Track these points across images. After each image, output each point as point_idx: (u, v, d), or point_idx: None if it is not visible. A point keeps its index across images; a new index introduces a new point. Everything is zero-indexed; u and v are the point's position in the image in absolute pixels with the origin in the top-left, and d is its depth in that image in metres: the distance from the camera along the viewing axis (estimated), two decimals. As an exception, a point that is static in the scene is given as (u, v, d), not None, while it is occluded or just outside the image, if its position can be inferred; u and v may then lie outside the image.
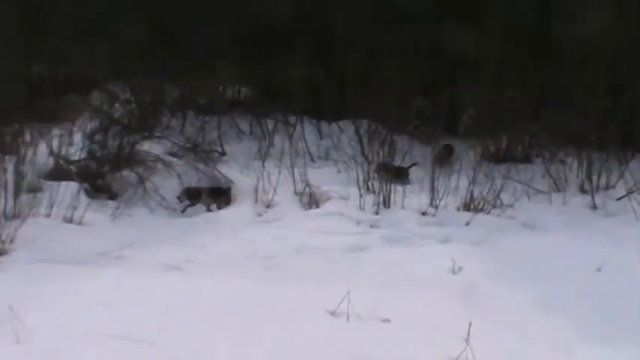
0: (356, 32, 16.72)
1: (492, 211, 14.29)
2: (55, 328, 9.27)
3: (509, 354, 9.42)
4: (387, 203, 14.25)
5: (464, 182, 14.85)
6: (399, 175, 15.31)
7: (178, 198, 14.41)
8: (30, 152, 13.55)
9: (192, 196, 14.33)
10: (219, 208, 14.39)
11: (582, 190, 15.34)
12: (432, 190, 14.34)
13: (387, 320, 10.16)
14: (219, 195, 14.52)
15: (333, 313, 10.11)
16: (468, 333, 9.42)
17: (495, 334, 9.82)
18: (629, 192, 14.66)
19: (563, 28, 16.41)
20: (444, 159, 15.97)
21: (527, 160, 16.32)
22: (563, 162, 16.04)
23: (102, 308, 9.95)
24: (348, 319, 9.95)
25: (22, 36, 14.38)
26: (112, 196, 14.35)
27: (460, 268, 12.04)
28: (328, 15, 17.09)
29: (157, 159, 15.20)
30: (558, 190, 15.31)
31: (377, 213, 14.07)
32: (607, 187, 15.13)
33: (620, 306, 10.82)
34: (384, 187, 14.37)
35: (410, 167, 15.71)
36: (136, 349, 8.99)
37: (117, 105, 15.92)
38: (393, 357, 9.15)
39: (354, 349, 9.14)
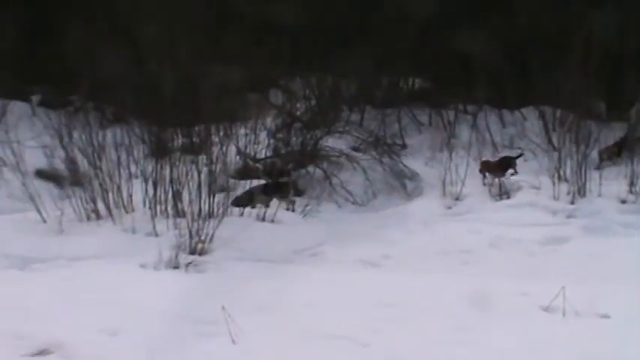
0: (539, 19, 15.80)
1: None
2: (269, 329, 9.14)
3: None
4: (582, 192, 13.81)
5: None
6: (505, 167, 14.86)
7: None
8: (219, 152, 13.29)
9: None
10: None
11: None
12: (632, 176, 13.83)
13: (607, 316, 9.71)
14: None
15: (547, 309, 9.75)
16: None
17: None
18: None
19: None
20: (612, 155, 15.33)
21: None
22: None
23: (311, 307, 9.80)
24: (564, 315, 9.55)
25: (206, 37, 13.75)
26: (298, 193, 14.35)
27: (671, 259, 11.19)
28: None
29: (341, 154, 15.01)
30: None
31: (572, 202, 13.72)
32: None
33: None
34: (580, 174, 13.86)
35: (517, 157, 15.19)
36: (352, 350, 8.82)
37: (297, 102, 15.24)
38: (618, 356, 8.67)
39: (577, 348, 8.69)
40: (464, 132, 16.28)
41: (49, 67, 15.47)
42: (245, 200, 13.35)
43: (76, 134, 13.40)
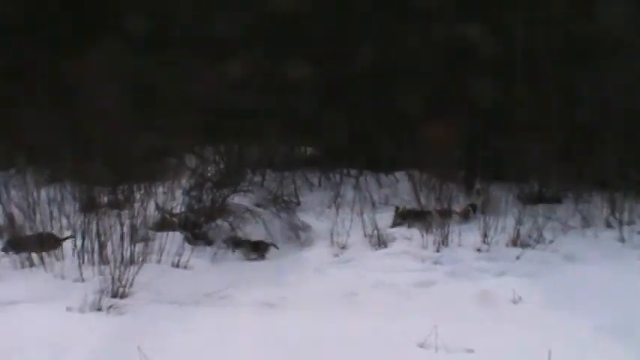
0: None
1: (537, 246, 13.31)
2: None
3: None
4: (445, 242, 13.29)
5: (507, 222, 13.85)
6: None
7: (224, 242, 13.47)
8: (140, 207, 12.81)
9: (236, 244, 13.33)
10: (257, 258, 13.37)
11: (608, 225, 14.30)
12: (485, 229, 13.40)
13: (472, 351, 9.21)
14: (259, 247, 13.41)
15: (422, 345, 9.25)
16: None
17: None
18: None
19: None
20: (467, 214, 14.75)
21: (557, 200, 14.83)
22: (589, 201, 14.60)
23: (215, 347, 9.21)
24: (436, 351, 9.09)
25: (132, 110, 13.22)
26: (209, 243, 13.67)
27: (520, 298, 11.10)
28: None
29: (246, 210, 14.41)
30: (588, 226, 14.22)
31: (438, 250, 13.18)
32: (630, 223, 13.99)
33: None
34: (443, 228, 13.35)
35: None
36: None
37: (208, 166, 14.75)
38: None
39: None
40: (348, 192, 15.59)
41: None
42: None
43: (13, 192, 12.90)
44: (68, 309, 10.36)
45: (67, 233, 12.49)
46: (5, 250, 12.15)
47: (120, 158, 13.61)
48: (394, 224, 14.36)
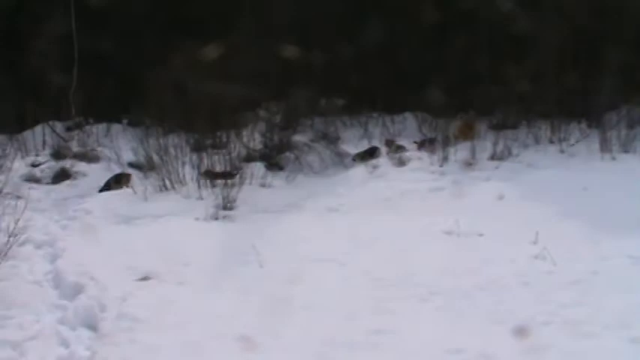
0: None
1: (508, 159, 12.98)
2: (282, 257, 8.42)
3: (567, 247, 8.33)
4: (446, 159, 12.91)
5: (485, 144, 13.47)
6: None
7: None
8: (232, 147, 12.76)
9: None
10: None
11: (551, 142, 13.86)
12: (473, 150, 13.06)
13: (482, 234, 9.11)
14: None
15: (447, 232, 9.09)
16: (537, 238, 8.49)
17: (551, 237, 8.55)
18: (577, 141, 13.57)
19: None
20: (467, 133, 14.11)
21: (515, 127, 14.45)
22: (536, 127, 14.23)
23: (305, 241, 9.04)
24: (458, 236, 8.94)
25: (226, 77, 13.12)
26: (281, 168, 13.24)
27: (504, 195, 10.80)
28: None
29: (304, 144, 14.06)
30: (538, 144, 13.82)
31: (441, 166, 12.78)
32: (565, 139, 13.59)
33: (606, 208, 9.77)
34: (444, 149, 13.12)
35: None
36: (336, 268, 8.16)
37: (274, 116, 14.74)
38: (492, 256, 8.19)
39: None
40: (371, 128, 15.00)
41: (130, 102, 14.60)
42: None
43: (148, 141, 12.60)
44: (196, 219, 10.23)
45: (187, 167, 12.24)
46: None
47: (215, 113, 13.16)
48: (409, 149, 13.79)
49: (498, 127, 14.69)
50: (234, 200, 10.86)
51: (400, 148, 13.70)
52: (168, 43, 14.64)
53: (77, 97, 15.50)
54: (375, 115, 15.80)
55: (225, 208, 10.73)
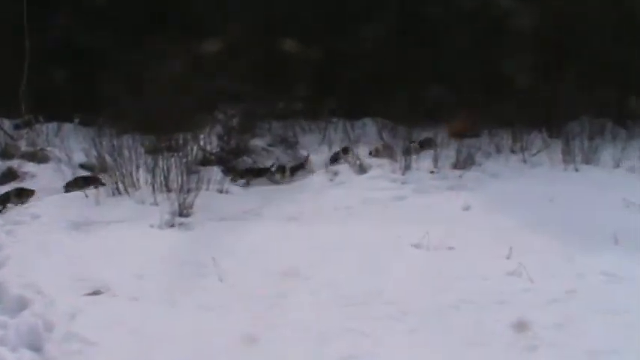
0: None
1: (471, 168, 12.43)
2: (241, 269, 7.68)
3: (542, 262, 7.78)
4: (408, 167, 12.24)
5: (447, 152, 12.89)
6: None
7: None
8: (188, 149, 11.97)
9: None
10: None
11: (512, 151, 13.42)
12: (435, 157, 12.50)
13: (452, 248, 8.42)
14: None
15: (416, 246, 8.41)
16: (510, 252, 7.97)
17: (524, 251, 8.04)
18: (538, 151, 13.21)
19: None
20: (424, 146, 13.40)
21: (477, 135, 13.86)
22: (497, 135, 13.76)
23: (265, 249, 8.40)
24: (428, 249, 8.29)
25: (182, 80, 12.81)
26: (238, 173, 12.41)
27: (469, 206, 10.34)
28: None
29: (262, 148, 13.57)
30: (500, 152, 13.35)
31: (403, 174, 12.14)
32: (526, 149, 13.18)
33: (575, 221, 9.32)
34: (406, 157, 12.39)
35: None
36: (300, 283, 7.48)
37: (231, 119, 14.01)
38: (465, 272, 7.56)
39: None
40: (330, 133, 14.36)
41: (82, 101, 13.80)
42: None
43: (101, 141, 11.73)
44: (151, 226, 9.47)
45: (142, 171, 11.40)
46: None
47: (172, 115, 12.52)
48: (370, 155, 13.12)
49: (459, 135, 14.15)
50: (191, 207, 10.11)
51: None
52: (124, 40, 13.90)
53: (27, 93, 14.53)
54: (334, 120, 15.19)
55: (181, 214, 9.98)
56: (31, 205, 10.43)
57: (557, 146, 13.01)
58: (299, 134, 14.61)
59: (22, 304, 6.81)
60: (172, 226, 9.53)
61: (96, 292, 7.09)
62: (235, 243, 8.48)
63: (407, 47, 14.42)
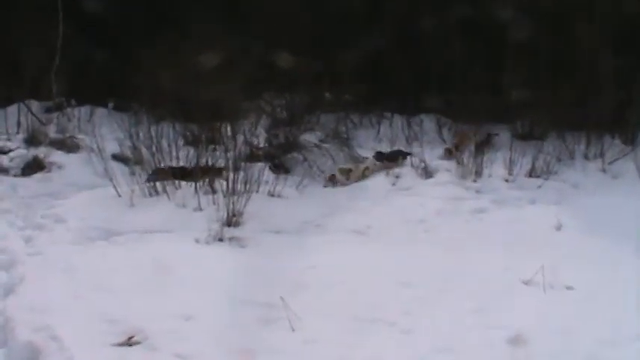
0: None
1: (549, 177, 9.99)
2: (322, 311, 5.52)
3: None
4: (479, 173, 9.89)
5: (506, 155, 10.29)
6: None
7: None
8: (233, 143, 9.60)
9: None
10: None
11: (586, 157, 11.10)
12: (510, 162, 10.05)
13: (571, 288, 6.20)
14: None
15: (527, 283, 6.18)
16: None
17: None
18: (616, 159, 10.82)
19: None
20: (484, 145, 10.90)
21: (542, 138, 11.56)
22: (564, 139, 11.36)
23: (348, 283, 6.12)
24: (544, 290, 6.04)
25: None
26: (287, 171, 10.40)
27: (560, 225, 8.15)
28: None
29: (314, 145, 11.12)
30: (573, 158, 11.01)
31: (475, 181, 9.81)
32: (601, 155, 10.85)
33: None
34: (474, 160, 10.09)
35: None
36: (399, 337, 5.24)
37: (277, 110, 12.01)
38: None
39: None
40: (384, 129, 12.02)
41: (117, 85, 11.67)
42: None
43: (135, 130, 9.54)
44: (196, 241, 7.31)
45: (181, 164, 9.28)
46: (149, 180, 8.94)
47: (214, 101, 10.19)
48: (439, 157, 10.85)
49: (524, 137, 11.86)
50: (241, 214, 7.94)
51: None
52: (165, 22, 11.69)
53: (59, 75, 12.29)
54: (387, 114, 12.90)
55: (230, 224, 7.84)
56: (57, 205, 8.21)
57: (633, 154, 10.71)
58: (350, 129, 12.28)
59: (31, 355, 4.63)
60: (221, 240, 7.39)
61: (129, 342, 4.92)
62: (302, 272, 6.30)
63: (472, 43, 11.99)
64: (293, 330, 5.13)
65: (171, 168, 9.05)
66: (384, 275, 6.22)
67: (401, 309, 5.51)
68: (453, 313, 5.48)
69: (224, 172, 8.93)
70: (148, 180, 8.93)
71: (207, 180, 8.80)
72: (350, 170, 10.08)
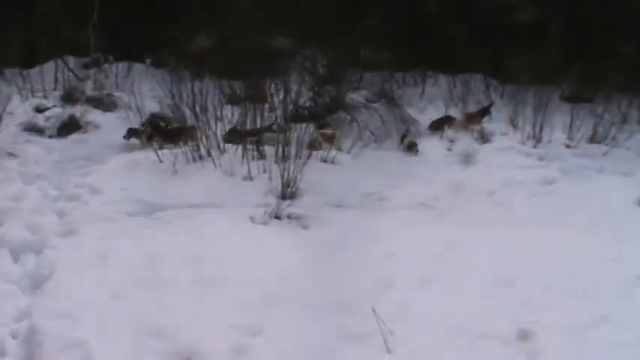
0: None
1: (610, 143, 8.27)
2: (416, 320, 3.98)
3: None
4: (539, 138, 8.27)
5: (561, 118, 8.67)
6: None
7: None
8: (276, 102, 8.22)
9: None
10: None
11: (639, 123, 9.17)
12: (570, 127, 8.43)
13: None
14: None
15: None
16: None
17: None
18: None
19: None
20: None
21: (591, 100, 9.61)
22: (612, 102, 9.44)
23: (439, 282, 4.62)
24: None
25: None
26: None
27: (640, 200, 6.61)
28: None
29: (361, 104, 9.31)
30: (625, 123, 8.95)
31: (535, 147, 8.19)
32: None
33: None
34: (535, 124, 8.37)
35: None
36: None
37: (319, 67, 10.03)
38: None
39: None
40: (428, 89, 10.34)
41: (156, 40, 9.79)
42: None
43: (175, 87, 7.80)
44: (250, 219, 5.77)
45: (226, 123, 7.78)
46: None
47: (254, 56, 8.53)
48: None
49: (572, 99, 10.10)
50: (296, 185, 6.35)
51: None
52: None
53: (97, 30, 10.64)
54: (429, 73, 11.17)
55: (285, 196, 6.30)
56: (93, 171, 6.69)
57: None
58: (393, 88, 10.58)
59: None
60: (278, 218, 5.86)
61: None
62: (381, 264, 4.81)
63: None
64: (389, 352, 3.61)
65: (245, 131, 7.51)
66: (477, 269, 4.67)
67: (514, 319, 3.96)
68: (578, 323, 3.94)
69: (277, 135, 7.38)
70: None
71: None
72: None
